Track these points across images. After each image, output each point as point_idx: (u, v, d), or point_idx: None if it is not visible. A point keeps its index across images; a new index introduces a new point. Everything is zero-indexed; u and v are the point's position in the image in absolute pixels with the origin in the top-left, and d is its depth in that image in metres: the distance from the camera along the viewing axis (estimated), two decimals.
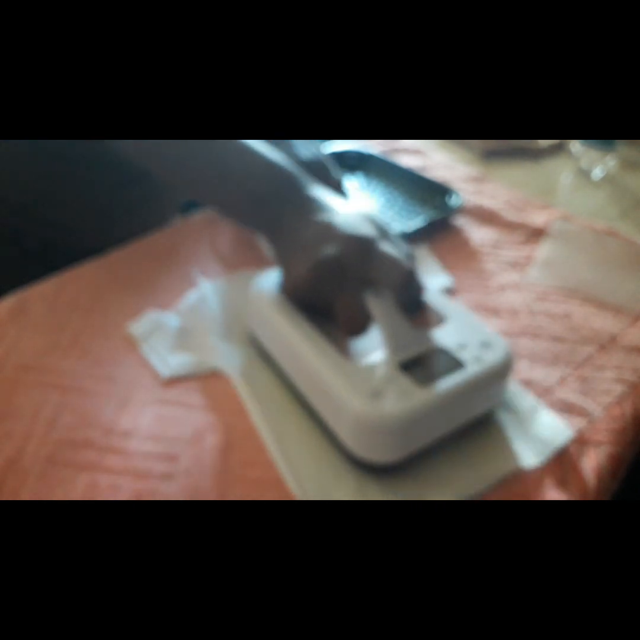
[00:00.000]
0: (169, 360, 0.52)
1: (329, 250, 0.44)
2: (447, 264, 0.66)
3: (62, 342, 0.54)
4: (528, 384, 0.52)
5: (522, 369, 0.53)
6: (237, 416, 0.48)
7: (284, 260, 0.49)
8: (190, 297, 0.58)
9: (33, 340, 0.54)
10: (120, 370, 0.51)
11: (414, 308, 0.46)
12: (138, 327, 0.55)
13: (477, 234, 0.72)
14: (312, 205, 0.49)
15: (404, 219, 0.72)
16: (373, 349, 0.45)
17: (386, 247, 0.45)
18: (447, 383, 0.42)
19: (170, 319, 0.55)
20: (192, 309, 0.57)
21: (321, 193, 0.50)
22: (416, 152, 0.90)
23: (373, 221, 0.48)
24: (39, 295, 0.59)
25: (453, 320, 0.47)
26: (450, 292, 0.62)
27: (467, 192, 0.79)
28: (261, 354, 0.52)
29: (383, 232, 0.47)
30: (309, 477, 0.43)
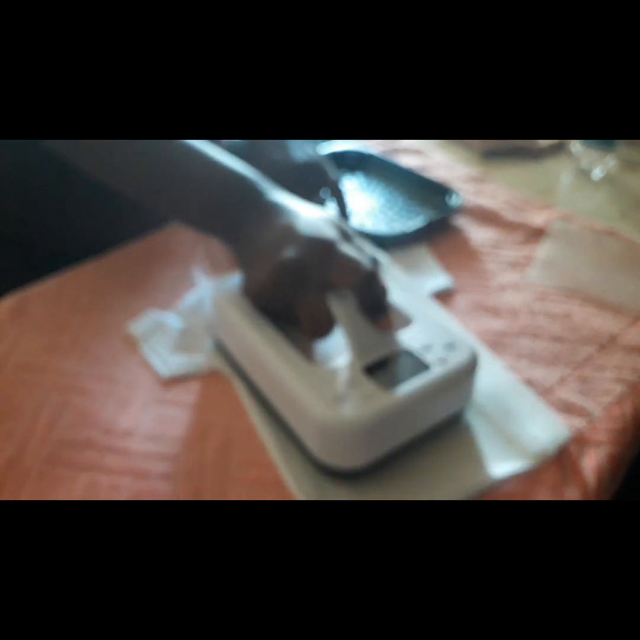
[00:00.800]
0: (169, 360, 0.52)
1: (290, 252, 0.44)
2: (447, 264, 0.66)
3: (62, 342, 0.54)
4: (528, 384, 0.52)
5: (522, 369, 0.53)
6: (237, 416, 0.48)
7: (244, 264, 0.48)
8: (190, 297, 0.58)
9: (33, 340, 0.54)
10: (120, 370, 0.51)
11: (377, 311, 0.46)
12: (138, 327, 0.55)
13: (477, 234, 0.72)
14: (273, 210, 0.48)
15: (404, 219, 0.72)
16: (337, 353, 0.45)
17: (347, 249, 0.45)
18: (411, 386, 0.41)
19: (171, 319, 0.56)
20: (192, 309, 0.57)
21: (282, 197, 0.50)
22: (416, 152, 0.90)
23: (335, 224, 0.47)
24: (39, 295, 0.59)
25: (419, 321, 0.47)
26: (450, 292, 0.62)
27: (467, 192, 0.79)
28: (228, 360, 0.51)
29: (345, 235, 0.47)
30: (308, 477, 0.43)
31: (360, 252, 0.46)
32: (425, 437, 0.44)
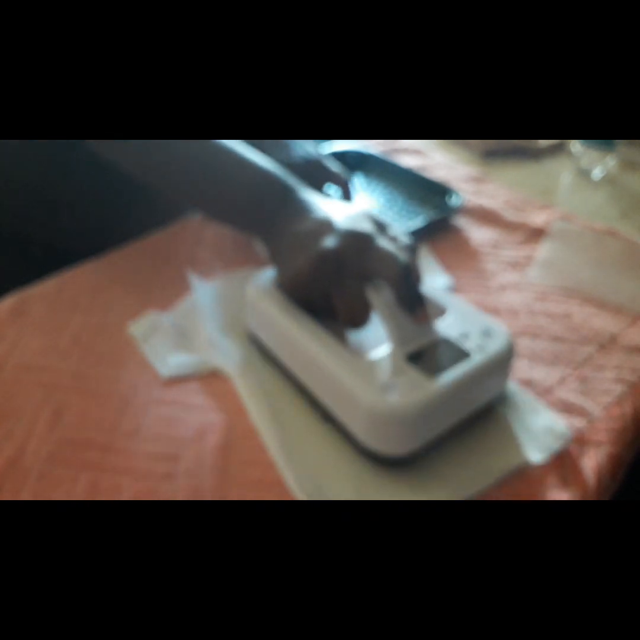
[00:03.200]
0: (169, 360, 0.52)
1: (329, 242, 0.45)
2: (447, 264, 0.66)
3: (63, 342, 0.54)
4: (528, 383, 0.52)
5: (522, 368, 0.53)
6: (237, 416, 0.48)
7: (281, 257, 0.49)
8: (190, 297, 0.58)
9: (33, 341, 0.54)
10: (120, 370, 0.51)
11: (413, 302, 0.46)
12: (138, 327, 0.55)
13: (477, 234, 0.72)
14: (307, 205, 0.50)
15: (404, 219, 0.72)
16: (372, 345, 0.46)
17: (384, 243, 0.46)
18: (455, 373, 0.42)
19: (171, 319, 0.56)
20: (192, 309, 0.57)
21: (316, 196, 0.52)
22: (416, 152, 0.90)
23: (371, 218, 0.49)
24: (40, 295, 0.59)
25: (452, 311, 0.48)
26: (450, 292, 0.62)
27: (467, 192, 0.79)
28: (262, 353, 0.52)
29: (382, 228, 0.48)
30: (308, 477, 0.43)
31: (396, 245, 0.47)
32: (463, 426, 0.45)
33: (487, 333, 0.46)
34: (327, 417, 0.46)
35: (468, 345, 0.45)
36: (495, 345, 0.45)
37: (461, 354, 0.44)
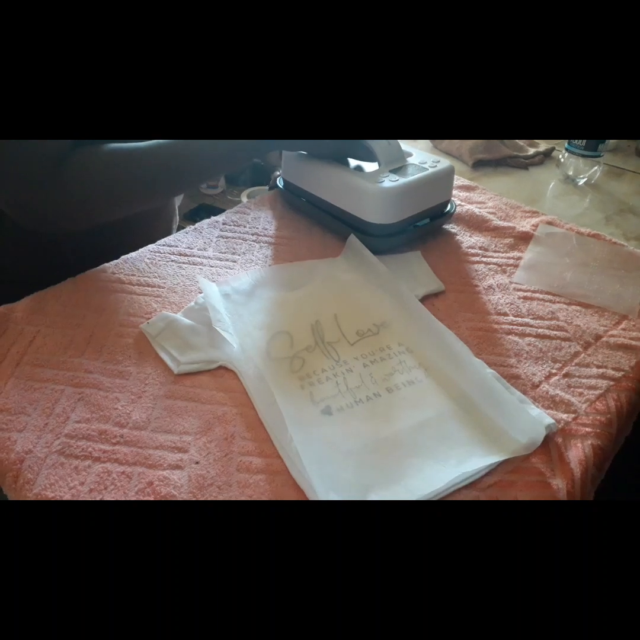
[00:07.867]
0: (179, 357, 0.54)
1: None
2: (440, 267, 0.69)
3: (77, 339, 0.56)
4: (516, 379, 0.54)
5: (510, 365, 0.56)
6: (243, 408, 0.50)
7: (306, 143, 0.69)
8: (199, 297, 0.61)
9: (49, 338, 0.56)
10: (132, 367, 0.54)
11: None
12: (151, 326, 0.57)
13: (469, 239, 0.75)
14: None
15: None
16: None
17: None
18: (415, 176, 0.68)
19: (181, 318, 0.58)
20: (201, 308, 0.59)
21: None
22: None
23: None
24: (55, 295, 0.62)
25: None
26: (441, 293, 0.65)
27: (458, 199, 0.82)
28: (294, 193, 0.77)
29: None
30: (310, 465, 0.44)
31: None
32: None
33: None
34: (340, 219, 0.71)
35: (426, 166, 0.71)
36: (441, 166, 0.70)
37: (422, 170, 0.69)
